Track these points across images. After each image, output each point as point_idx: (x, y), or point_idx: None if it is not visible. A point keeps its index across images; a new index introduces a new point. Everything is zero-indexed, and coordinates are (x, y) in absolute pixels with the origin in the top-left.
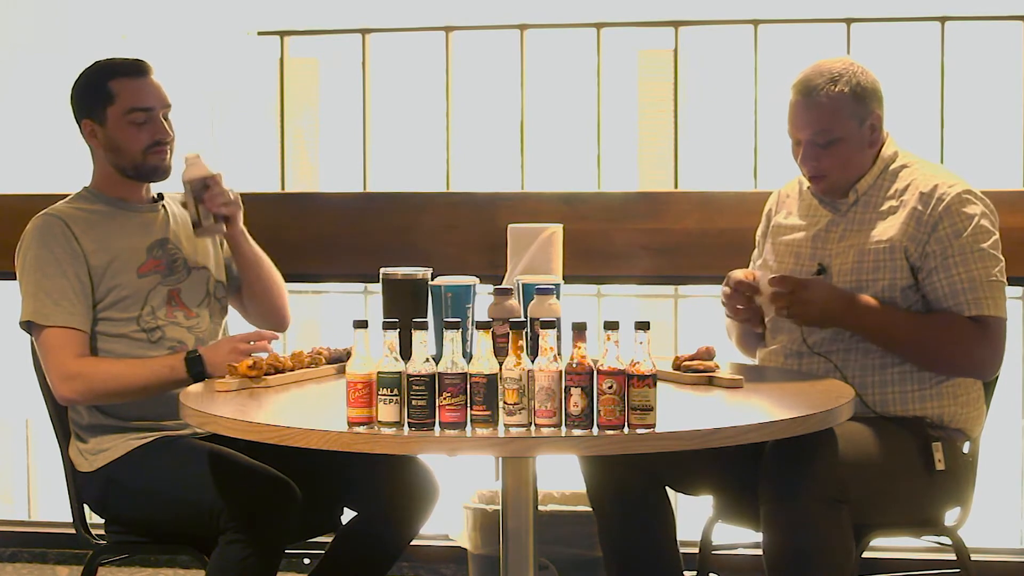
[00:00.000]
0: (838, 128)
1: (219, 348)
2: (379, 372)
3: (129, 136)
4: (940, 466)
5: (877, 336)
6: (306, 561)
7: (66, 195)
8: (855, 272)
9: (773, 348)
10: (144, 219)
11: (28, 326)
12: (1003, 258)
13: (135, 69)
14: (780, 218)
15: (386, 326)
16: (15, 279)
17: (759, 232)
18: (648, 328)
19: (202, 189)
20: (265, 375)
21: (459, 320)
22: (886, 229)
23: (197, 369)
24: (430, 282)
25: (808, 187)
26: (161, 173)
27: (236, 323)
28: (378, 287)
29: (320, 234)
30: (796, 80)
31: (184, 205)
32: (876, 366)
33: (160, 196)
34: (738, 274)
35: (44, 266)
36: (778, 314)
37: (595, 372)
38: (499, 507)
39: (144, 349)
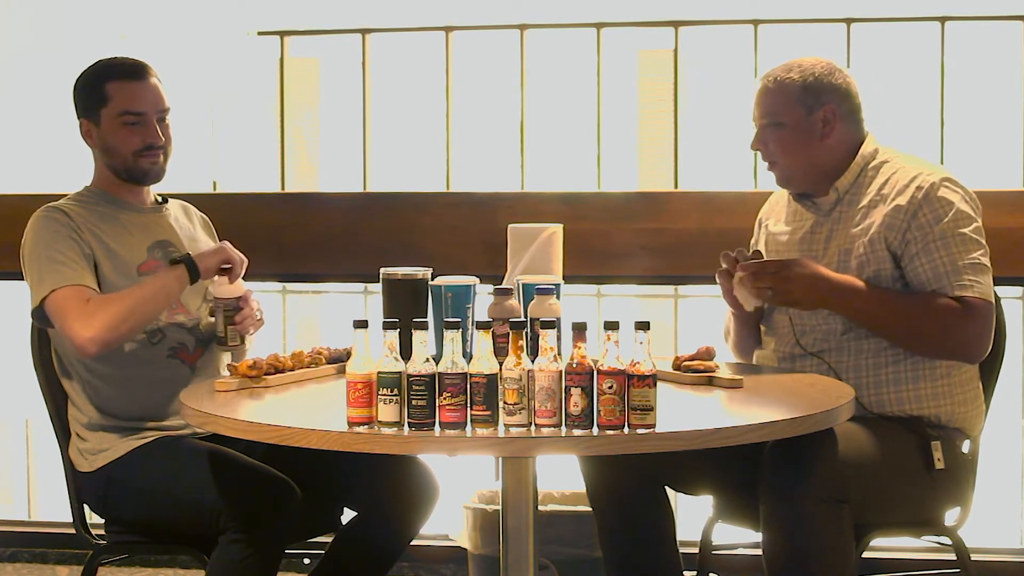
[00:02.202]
0: (782, 112)
1: (208, 250)
2: (379, 372)
3: (120, 138)
4: (940, 465)
5: (862, 318)
6: (306, 561)
7: (66, 195)
8: (841, 270)
9: (767, 351)
10: (146, 220)
11: (42, 307)
12: (986, 245)
13: (132, 72)
14: (770, 225)
15: (386, 326)
16: (15, 279)
17: (752, 242)
18: (648, 328)
19: (235, 310)
20: (265, 375)
21: (459, 320)
22: (868, 224)
23: (189, 264)
24: (430, 282)
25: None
26: (152, 177)
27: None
28: (378, 287)
29: (320, 234)
30: None
31: (211, 315)
32: (870, 366)
33: (164, 199)
34: (725, 262)
35: (50, 244)
36: (760, 296)
37: (595, 372)
38: (499, 507)
39: (145, 351)
